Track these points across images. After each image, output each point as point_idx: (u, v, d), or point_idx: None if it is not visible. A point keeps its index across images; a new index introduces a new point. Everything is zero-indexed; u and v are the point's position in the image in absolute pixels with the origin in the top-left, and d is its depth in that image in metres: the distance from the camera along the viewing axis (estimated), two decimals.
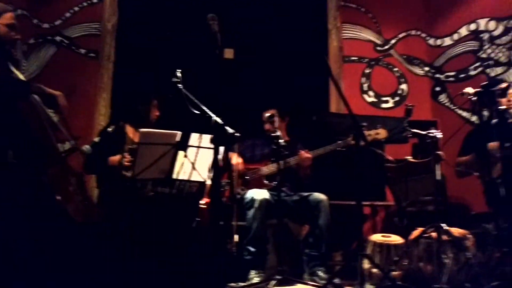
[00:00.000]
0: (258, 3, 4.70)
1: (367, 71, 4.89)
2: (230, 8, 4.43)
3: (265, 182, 3.53)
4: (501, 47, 4.51)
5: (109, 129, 3.25)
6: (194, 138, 2.93)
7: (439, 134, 2.76)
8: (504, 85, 3.04)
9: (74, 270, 2.53)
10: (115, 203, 3.01)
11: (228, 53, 4.46)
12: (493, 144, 2.77)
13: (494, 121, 2.68)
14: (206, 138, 2.92)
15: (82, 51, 4.57)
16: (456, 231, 2.85)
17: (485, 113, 3.38)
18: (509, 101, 3.13)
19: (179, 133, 2.91)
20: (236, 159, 3.51)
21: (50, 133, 2.58)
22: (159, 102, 3.38)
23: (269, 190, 3.46)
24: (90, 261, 2.63)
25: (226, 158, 2.92)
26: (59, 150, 2.71)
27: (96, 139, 3.23)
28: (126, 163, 2.99)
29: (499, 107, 2.65)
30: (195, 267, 2.81)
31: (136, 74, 4.33)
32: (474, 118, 4.44)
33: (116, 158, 3.06)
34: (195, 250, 2.92)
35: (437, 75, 4.90)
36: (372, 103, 4.85)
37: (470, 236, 2.89)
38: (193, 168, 2.93)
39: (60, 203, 2.48)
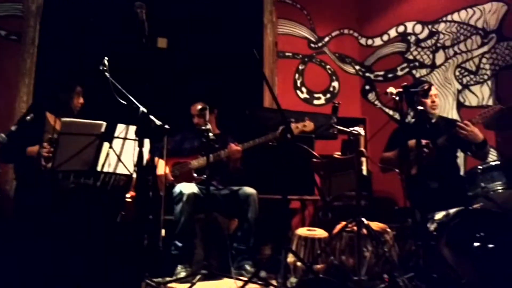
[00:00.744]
0: None
1: (300, 67, 4.96)
2: None
3: (195, 175, 3.49)
4: (425, 49, 4.73)
5: (28, 118, 3.07)
6: (120, 129, 2.83)
7: (362, 131, 2.84)
8: (425, 86, 3.18)
9: None
10: (32, 196, 2.85)
11: (161, 43, 4.35)
12: (412, 142, 2.90)
13: (412, 120, 2.80)
14: (133, 130, 2.83)
15: (2, 33, 4.26)
16: (376, 225, 2.96)
17: (411, 112, 3.54)
18: (432, 101, 3.29)
19: (104, 123, 2.79)
20: (162, 168, 3.43)
21: None
22: (83, 89, 3.23)
23: (198, 183, 3.42)
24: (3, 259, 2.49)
25: (152, 159, 2.87)
26: None
27: (13, 128, 3.04)
28: (45, 154, 2.84)
29: (418, 107, 2.78)
30: (117, 261, 2.73)
31: (61, 59, 4.10)
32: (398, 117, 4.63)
33: (34, 148, 2.91)
34: (118, 244, 2.84)
35: (367, 74, 5.07)
36: (304, 99, 4.93)
37: (390, 230, 3.02)
38: (119, 160, 2.83)
39: None
